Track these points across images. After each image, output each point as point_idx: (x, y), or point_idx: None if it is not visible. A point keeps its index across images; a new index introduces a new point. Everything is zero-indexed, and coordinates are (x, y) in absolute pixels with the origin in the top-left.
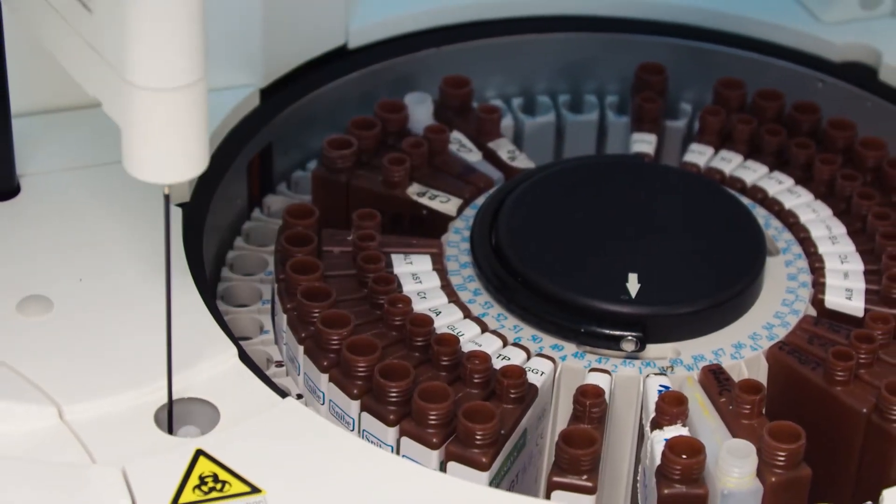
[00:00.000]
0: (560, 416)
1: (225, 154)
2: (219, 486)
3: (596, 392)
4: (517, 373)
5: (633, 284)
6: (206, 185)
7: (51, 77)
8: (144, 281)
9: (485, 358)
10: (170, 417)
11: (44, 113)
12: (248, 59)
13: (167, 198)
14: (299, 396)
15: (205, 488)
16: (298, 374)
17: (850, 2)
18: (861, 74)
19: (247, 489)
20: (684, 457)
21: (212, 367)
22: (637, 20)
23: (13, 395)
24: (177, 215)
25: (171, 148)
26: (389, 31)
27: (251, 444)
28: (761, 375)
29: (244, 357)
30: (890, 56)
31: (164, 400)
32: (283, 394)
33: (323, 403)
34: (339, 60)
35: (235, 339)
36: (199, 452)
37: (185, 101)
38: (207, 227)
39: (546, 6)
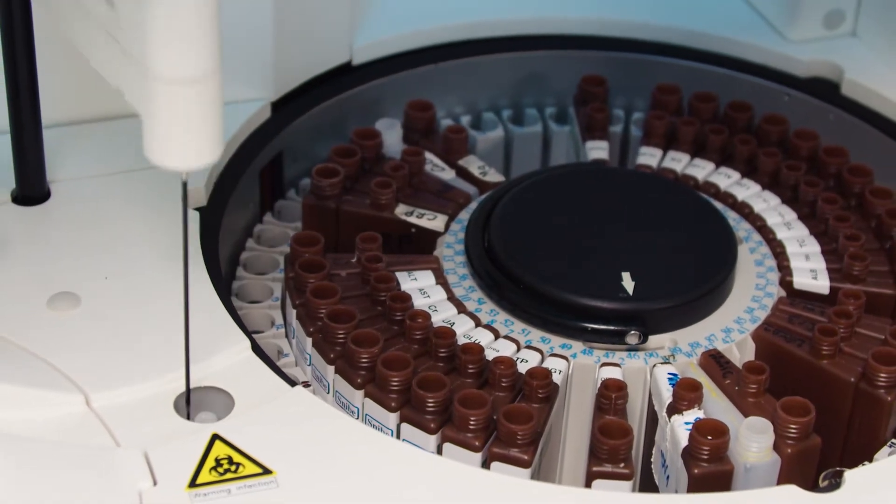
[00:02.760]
0: (572, 409)
1: (239, 162)
2: (233, 467)
3: (618, 385)
4: (544, 374)
5: (628, 282)
6: (221, 191)
7: (79, 89)
8: (165, 279)
9: (510, 363)
10: (188, 404)
11: (72, 124)
12: (260, 74)
13: (185, 185)
14: (306, 384)
15: (220, 469)
16: (308, 365)
17: (814, 21)
18: (824, 89)
19: (259, 470)
20: (710, 438)
21: (227, 358)
22: (618, 38)
23: (44, 384)
24: (194, 218)
25: (188, 136)
26: (390, 48)
27: (263, 429)
28: (749, 355)
29: (257, 349)
30: (851, 72)
31: (183, 388)
32: (292, 383)
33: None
34: (344, 75)
35: (249, 333)
36: (215, 437)
37: (201, 92)
38: (223, 230)
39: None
